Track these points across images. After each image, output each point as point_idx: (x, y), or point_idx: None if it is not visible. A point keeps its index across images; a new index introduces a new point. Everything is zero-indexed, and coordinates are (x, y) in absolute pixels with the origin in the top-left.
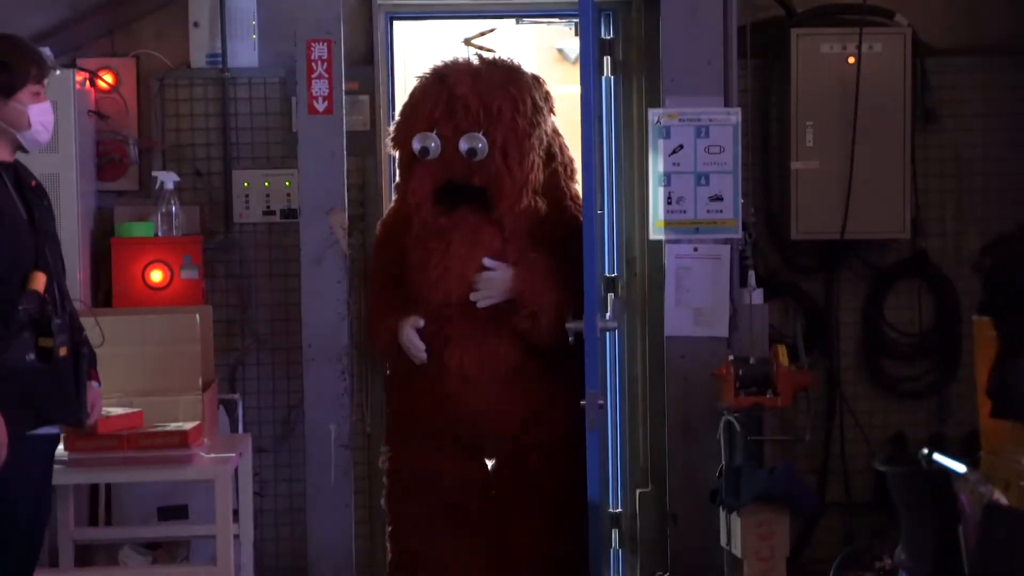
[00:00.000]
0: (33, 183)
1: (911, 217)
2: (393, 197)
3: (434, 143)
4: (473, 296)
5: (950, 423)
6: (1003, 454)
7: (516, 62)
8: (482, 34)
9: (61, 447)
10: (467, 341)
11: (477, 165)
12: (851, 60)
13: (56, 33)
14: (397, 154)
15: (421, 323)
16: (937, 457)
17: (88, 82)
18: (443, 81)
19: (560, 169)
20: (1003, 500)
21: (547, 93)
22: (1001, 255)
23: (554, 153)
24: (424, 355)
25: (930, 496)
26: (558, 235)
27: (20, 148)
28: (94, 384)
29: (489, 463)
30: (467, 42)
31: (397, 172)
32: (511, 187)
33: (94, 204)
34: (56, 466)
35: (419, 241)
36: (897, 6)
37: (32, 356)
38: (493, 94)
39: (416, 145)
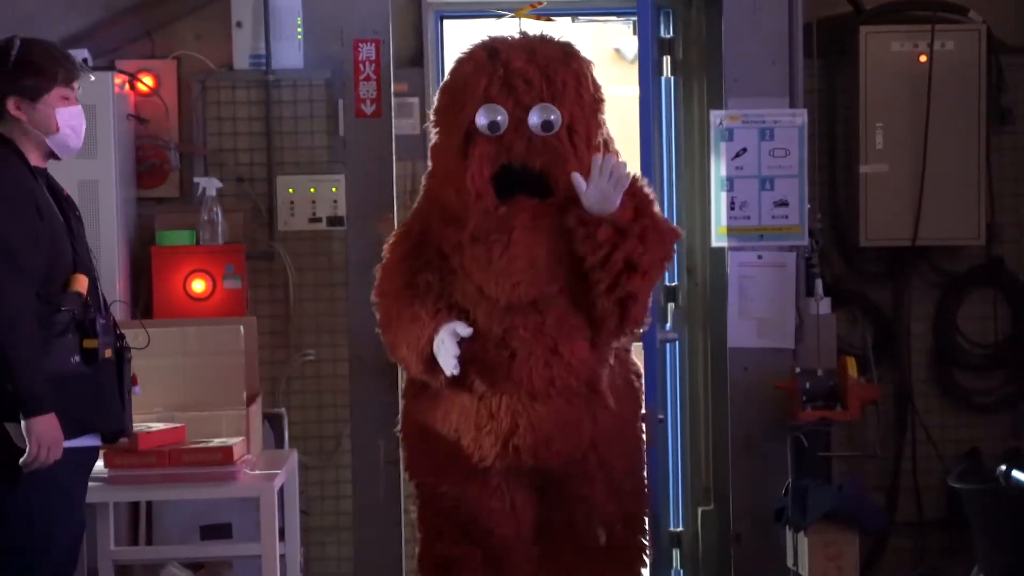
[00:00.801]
0: (65, 194)
1: (986, 222)
2: (422, 186)
3: (501, 116)
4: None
5: None
6: None
7: (569, 40)
8: (533, 5)
9: (100, 463)
10: (534, 354)
11: (538, 145)
12: (923, 58)
13: (92, 35)
14: (437, 139)
15: (468, 331)
16: (1015, 473)
17: (127, 85)
18: (495, 55)
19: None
20: None
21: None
22: None
23: (609, 145)
24: (455, 367)
25: (1007, 514)
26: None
27: (52, 156)
28: (139, 390)
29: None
30: (519, 13)
31: (430, 160)
32: (577, 168)
33: (134, 212)
34: (94, 483)
35: (478, 235)
36: (971, 2)
37: (77, 359)
38: (555, 67)
39: (482, 120)
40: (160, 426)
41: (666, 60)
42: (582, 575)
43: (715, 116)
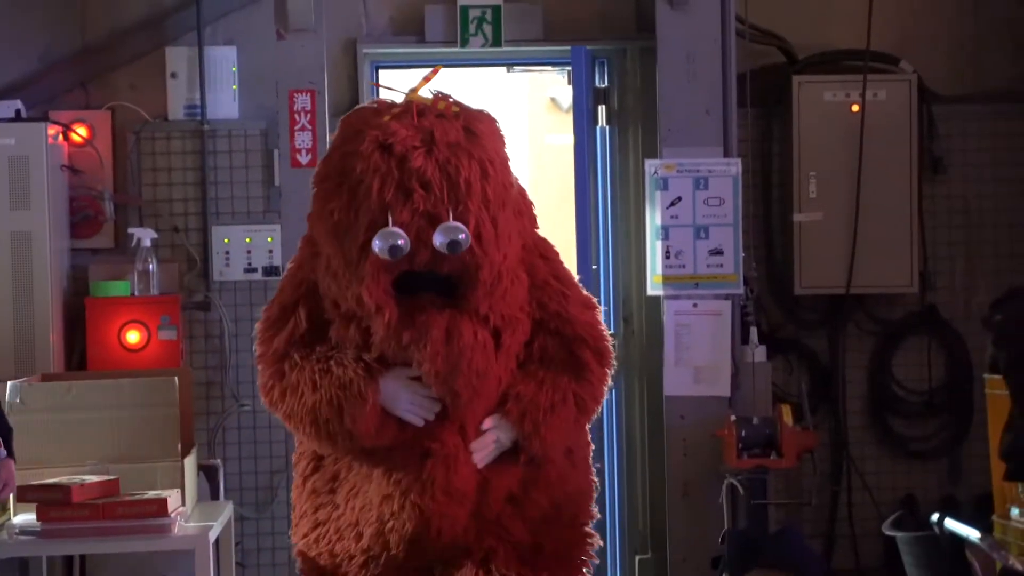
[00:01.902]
0: None
1: (919, 270)
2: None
3: (403, 240)
4: (475, 458)
5: (962, 485)
6: (1015, 517)
7: (466, 104)
8: (426, 80)
9: (33, 517)
10: (452, 460)
11: (444, 256)
12: (855, 108)
13: (26, 85)
14: (329, 219)
15: (417, 373)
16: (949, 522)
17: (61, 136)
18: (389, 151)
19: (527, 223)
20: (1018, 566)
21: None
22: (1012, 310)
23: (519, 207)
24: (436, 406)
25: (942, 562)
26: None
27: None
28: (8, 462)
29: None
30: (412, 93)
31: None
32: (488, 274)
33: (68, 262)
34: (27, 537)
35: (386, 358)
36: (902, 52)
37: None
38: (457, 162)
39: (379, 245)
40: (94, 478)
41: (601, 109)
42: None
43: (650, 165)
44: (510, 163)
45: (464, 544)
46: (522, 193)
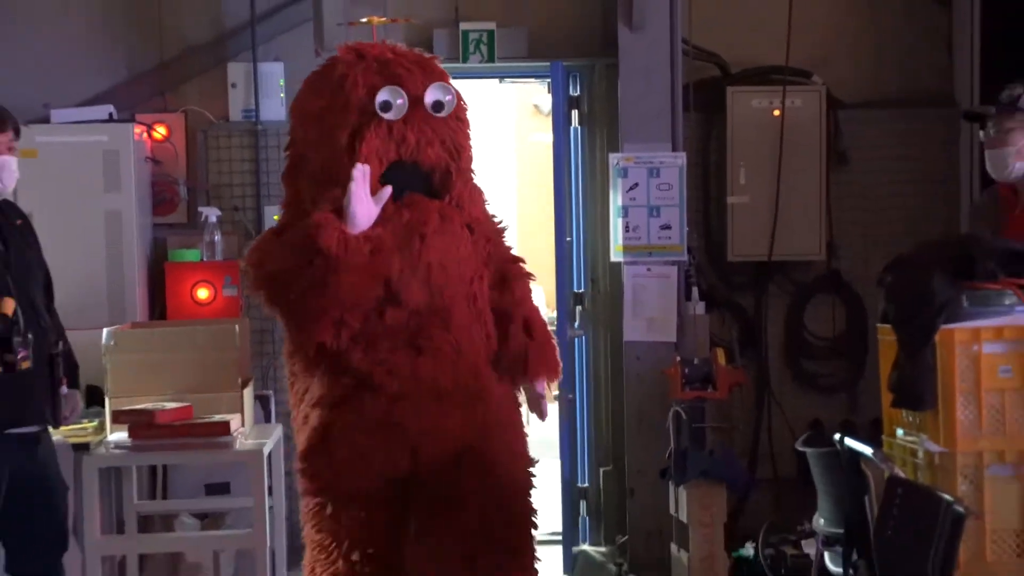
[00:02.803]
0: (19, 222)
1: (826, 242)
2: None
3: (401, 99)
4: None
5: (858, 412)
6: (902, 437)
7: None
8: (382, 19)
9: (125, 435)
10: (440, 354)
11: (429, 133)
12: (776, 113)
13: (116, 94)
14: (313, 147)
15: (388, 191)
16: (848, 441)
17: (145, 134)
18: (363, 56)
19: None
20: (901, 474)
21: None
22: (898, 273)
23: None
24: (371, 211)
25: (842, 472)
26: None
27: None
28: (65, 389)
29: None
30: (371, 20)
31: (288, 181)
32: (466, 161)
33: (150, 235)
34: (120, 450)
35: (384, 241)
36: (813, 67)
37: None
38: (423, 61)
39: (383, 98)
40: (172, 405)
41: (574, 113)
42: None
43: (613, 158)
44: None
45: (456, 448)
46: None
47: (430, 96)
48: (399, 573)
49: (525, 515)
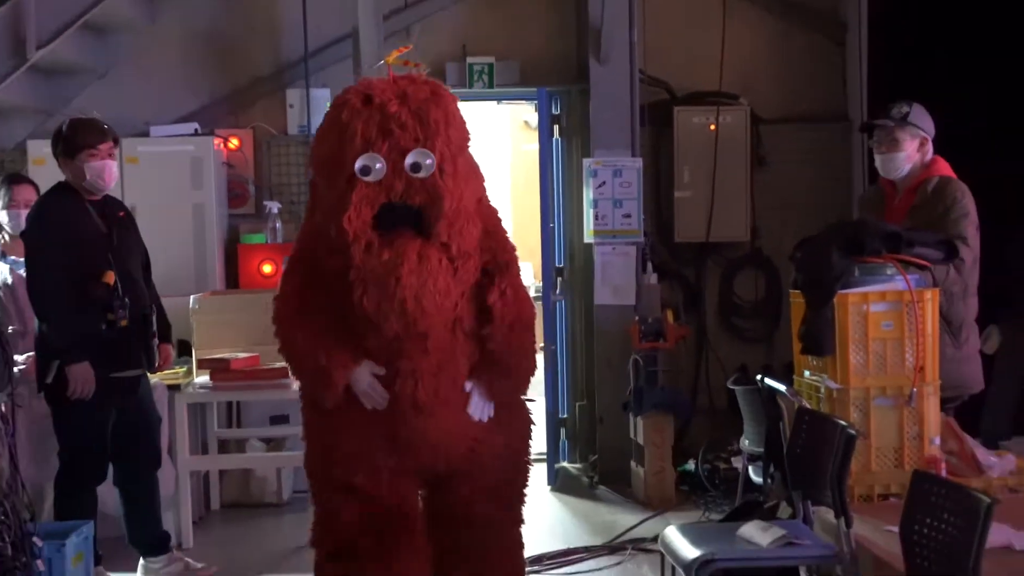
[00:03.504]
0: (122, 214)
1: (750, 226)
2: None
3: (379, 164)
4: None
5: (775, 358)
6: (808, 377)
7: (434, 79)
8: (398, 51)
9: (207, 378)
10: (419, 373)
11: (416, 184)
12: (712, 127)
13: (200, 114)
14: (320, 181)
15: (381, 371)
16: (767, 380)
17: (222, 144)
18: (370, 102)
19: (479, 184)
20: (807, 406)
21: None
22: (805, 250)
23: (475, 169)
24: (386, 402)
25: (763, 404)
26: (502, 250)
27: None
28: (166, 345)
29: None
30: (388, 59)
31: (311, 196)
32: (451, 204)
33: (226, 223)
34: (203, 390)
35: (363, 275)
36: (740, 92)
37: (104, 326)
38: (426, 108)
39: (359, 165)
40: (244, 355)
41: (556, 127)
42: (467, 549)
43: (586, 162)
44: (466, 126)
45: (442, 457)
46: (475, 163)
47: (409, 160)
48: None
49: (513, 508)
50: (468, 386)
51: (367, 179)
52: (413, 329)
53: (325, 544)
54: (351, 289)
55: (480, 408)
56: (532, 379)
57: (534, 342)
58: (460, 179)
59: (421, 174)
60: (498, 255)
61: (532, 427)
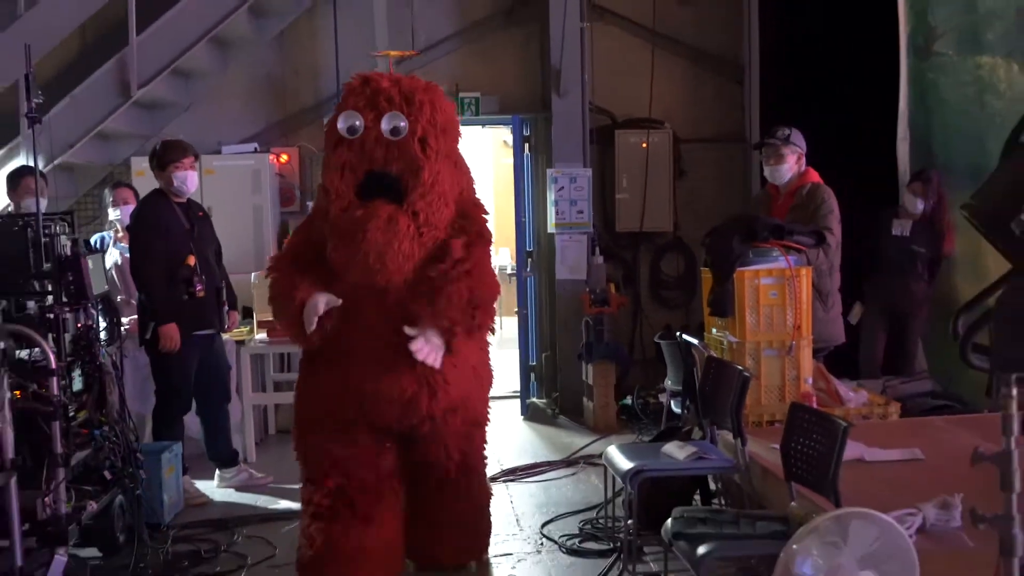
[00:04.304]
0: (200, 214)
1: (673, 220)
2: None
3: (358, 121)
4: (418, 355)
5: (691, 319)
6: (714, 334)
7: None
8: (402, 54)
9: (265, 335)
10: (376, 326)
11: (395, 152)
12: (644, 145)
13: (260, 135)
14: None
15: (338, 302)
16: (684, 336)
17: (275, 159)
18: (368, 82)
19: (466, 180)
20: (714, 355)
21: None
22: (713, 237)
23: (461, 165)
24: (313, 323)
25: (681, 354)
26: (473, 231)
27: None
28: (233, 311)
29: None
30: (389, 53)
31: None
32: (426, 176)
33: (279, 219)
34: (262, 344)
35: (336, 229)
36: (664, 118)
37: (186, 296)
38: (415, 92)
39: (341, 124)
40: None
41: (526, 145)
42: (436, 501)
43: (550, 172)
44: (457, 126)
45: (401, 412)
46: (464, 161)
47: (385, 123)
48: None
49: (475, 455)
50: (408, 330)
51: (350, 138)
52: (372, 280)
53: (310, 505)
54: (329, 241)
55: (423, 348)
56: (478, 314)
57: (484, 292)
58: (440, 159)
59: (399, 136)
60: (471, 231)
61: (489, 388)
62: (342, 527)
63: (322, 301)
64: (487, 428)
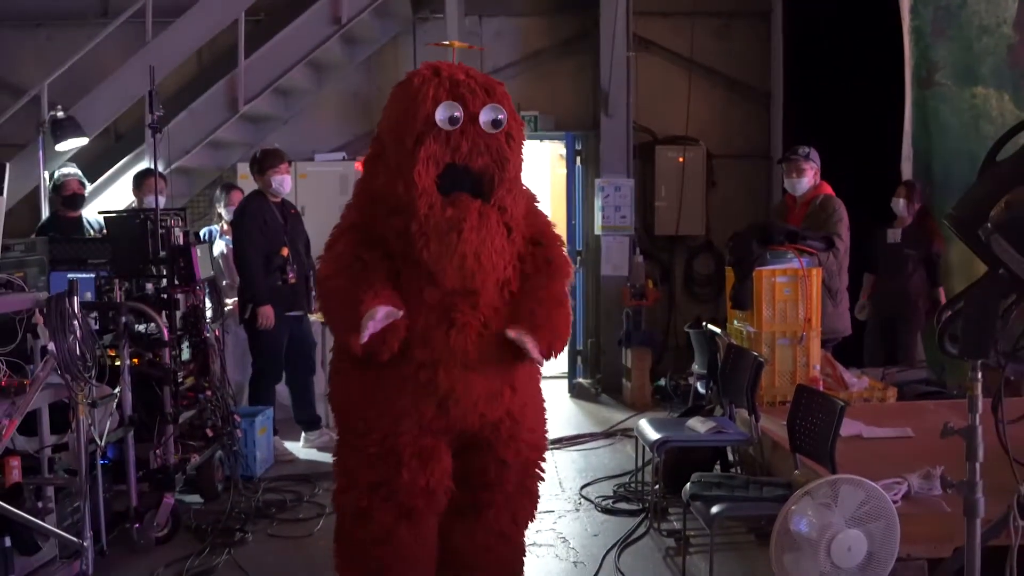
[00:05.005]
0: (293, 211)
1: (705, 225)
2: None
3: (458, 111)
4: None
5: (718, 312)
6: (735, 324)
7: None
8: (460, 44)
9: (315, 317)
10: (468, 328)
11: (481, 146)
12: (680, 159)
13: (349, 145)
14: (387, 146)
15: (399, 314)
16: (710, 326)
17: (360, 166)
18: (438, 72)
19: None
20: (735, 343)
21: None
22: (735, 241)
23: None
24: (367, 336)
25: (707, 342)
26: (541, 236)
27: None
28: (313, 293)
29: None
30: (452, 43)
31: (365, 166)
32: (512, 171)
33: None
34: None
35: (426, 229)
36: (699, 136)
37: (280, 282)
38: (491, 84)
39: (441, 114)
40: None
41: (578, 158)
42: (488, 514)
43: (597, 182)
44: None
45: (478, 418)
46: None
47: (486, 115)
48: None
49: (531, 495)
50: (512, 333)
51: (449, 128)
52: (469, 283)
53: (347, 507)
54: (412, 244)
55: (532, 344)
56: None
57: (567, 309)
58: (519, 148)
59: (498, 129)
60: (543, 232)
61: (547, 438)
62: (377, 538)
63: (381, 312)
64: (543, 473)
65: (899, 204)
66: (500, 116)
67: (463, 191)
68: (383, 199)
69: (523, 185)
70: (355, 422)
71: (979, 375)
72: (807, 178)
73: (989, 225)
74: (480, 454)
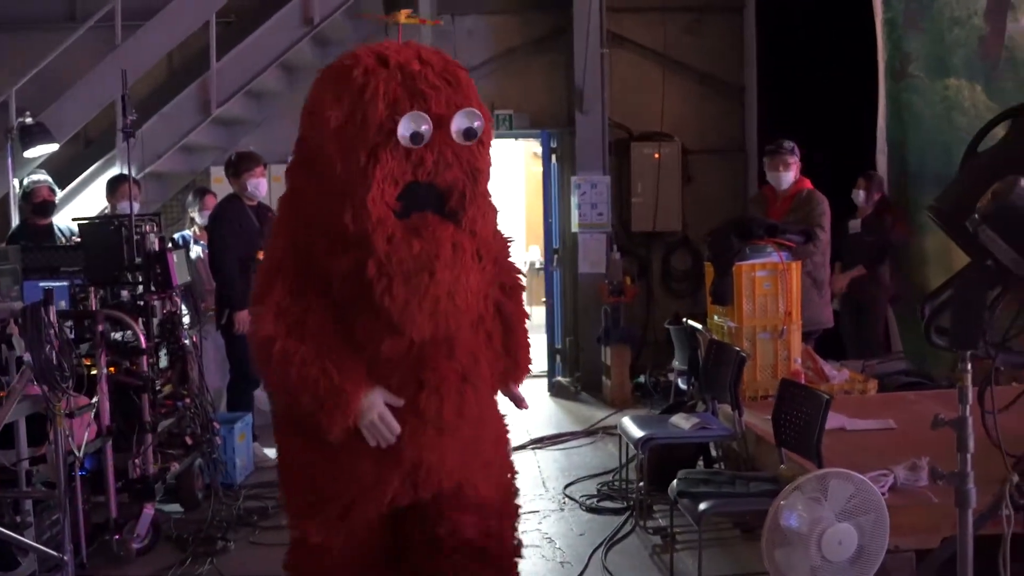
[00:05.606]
0: (269, 215)
1: (682, 221)
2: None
3: (426, 125)
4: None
5: (697, 307)
6: (715, 319)
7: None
8: (405, 13)
9: None
10: (446, 387)
11: (449, 158)
12: (656, 155)
13: None
14: (327, 158)
15: (399, 402)
16: (690, 321)
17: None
18: (386, 63)
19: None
20: (715, 338)
21: None
22: (714, 236)
23: None
24: (394, 438)
25: (687, 338)
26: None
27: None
28: None
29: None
30: (398, 17)
31: (292, 181)
32: (483, 184)
33: None
34: None
35: (388, 270)
36: (674, 132)
37: None
38: (451, 70)
39: (404, 130)
40: None
41: (553, 156)
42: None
43: (573, 179)
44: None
45: (452, 481)
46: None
47: (459, 123)
48: None
49: (505, 555)
50: (514, 388)
51: (416, 147)
52: (443, 331)
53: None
54: (368, 289)
55: (521, 397)
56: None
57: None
58: (489, 155)
59: (473, 140)
60: (502, 253)
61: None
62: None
63: (379, 405)
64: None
65: (859, 195)
66: (476, 124)
67: (424, 209)
68: (321, 228)
69: (490, 196)
70: (311, 496)
71: (968, 366)
72: (792, 172)
73: (977, 216)
74: (427, 516)
